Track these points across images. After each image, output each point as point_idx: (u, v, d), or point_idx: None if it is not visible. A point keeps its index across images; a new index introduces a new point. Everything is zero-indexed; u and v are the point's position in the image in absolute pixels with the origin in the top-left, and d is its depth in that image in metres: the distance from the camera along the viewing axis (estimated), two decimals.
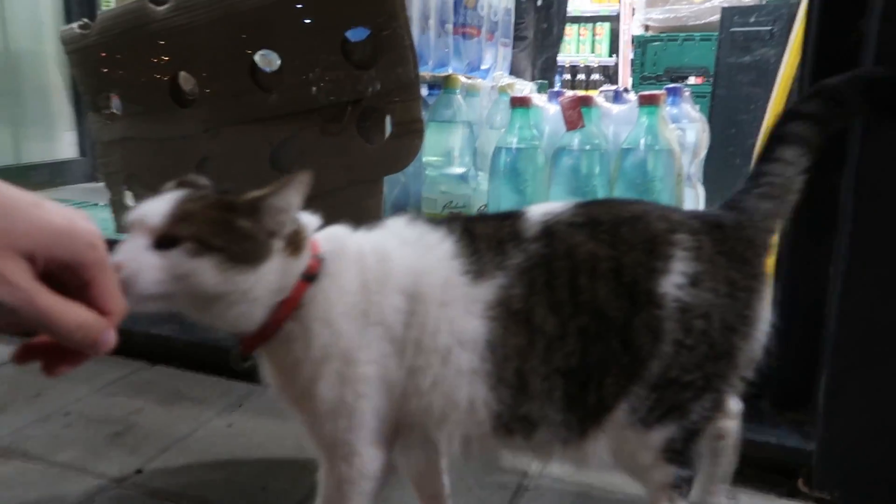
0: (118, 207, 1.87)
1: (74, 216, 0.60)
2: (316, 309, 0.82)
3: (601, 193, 1.67)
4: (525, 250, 0.83)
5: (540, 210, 0.87)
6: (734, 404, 1.01)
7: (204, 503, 1.15)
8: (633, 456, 0.88)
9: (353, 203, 1.61)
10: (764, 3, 3.50)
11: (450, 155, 1.94)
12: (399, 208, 1.94)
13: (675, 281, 0.81)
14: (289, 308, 0.81)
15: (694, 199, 1.94)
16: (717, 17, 3.08)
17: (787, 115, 0.95)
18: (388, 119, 1.62)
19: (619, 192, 1.67)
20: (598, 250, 0.82)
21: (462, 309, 0.82)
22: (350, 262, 0.85)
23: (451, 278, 0.83)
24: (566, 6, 4.23)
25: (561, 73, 5.47)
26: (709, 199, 2.20)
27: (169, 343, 1.67)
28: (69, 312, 0.59)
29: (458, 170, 1.95)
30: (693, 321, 0.82)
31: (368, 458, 0.86)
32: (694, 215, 0.89)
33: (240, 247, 0.75)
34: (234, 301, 0.78)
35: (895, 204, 1.10)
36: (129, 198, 1.87)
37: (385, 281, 0.83)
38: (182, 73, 1.69)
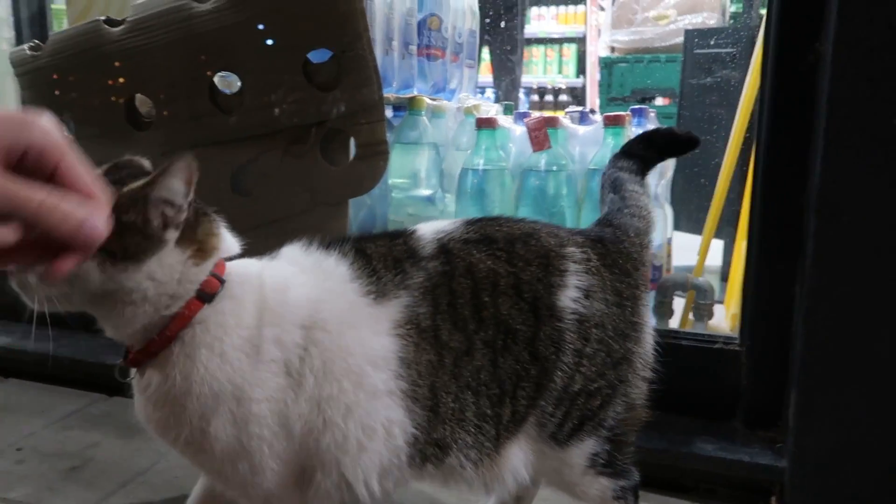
0: None
1: (25, 111, 0.59)
2: (205, 334, 0.78)
3: (569, 214, 1.67)
4: (425, 268, 0.84)
5: (430, 228, 0.89)
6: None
7: None
8: (558, 473, 0.91)
9: (318, 226, 1.58)
10: (726, 26, 3.57)
11: (416, 177, 1.92)
12: (366, 231, 1.92)
13: (571, 294, 0.86)
14: (179, 324, 0.77)
15: (662, 219, 1.94)
16: (681, 38, 3.13)
17: (621, 155, 1.09)
18: (352, 141, 1.60)
19: (586, 213, 1.66)
20: (497, 267, 0.85)
21: (369, 329, 0.81)
22: (251, 290, 0.82)
23: (353, 301, 0.82)
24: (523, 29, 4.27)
25: (528, 95, 5.51)
26: (676, 219, 2.21)
27: None
28: (38, 193, 0.57)
29: (425, 192, 1.93)
30: (590, 330, 0.86)
31: (287, 497, 0.82)
32: (577, 232, 0.94)
33: (124, 241, 0.71)
34: (120, 301, 0.74)
35: (856, 223, 1.11)
36: None
37: (282, 314, 0.80)
38: (138, 96, 1.65)
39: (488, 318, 0.83)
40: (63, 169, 0.60)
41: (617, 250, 0.92)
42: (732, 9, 3.78)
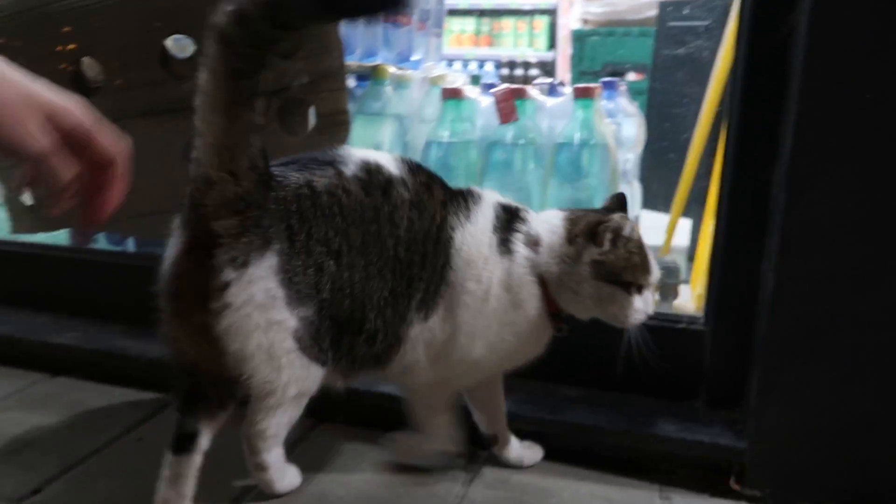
0: (14, 206, 1.73)
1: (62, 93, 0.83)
2: None
3: (535, 188, 1.63)
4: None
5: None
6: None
7: None
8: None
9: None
10: None
11: (379, 149, 1.86)
12: None
13: None
14: None
15: (630, 194, 1.91)
16: (655, 11, 3.08)
17: None
18: (312, 110, 1.55)
19: (553, 187, 1.63)
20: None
21: None
22: None
23: None
24: None
25: (498, 68, 5.44)
26: (645, 196, 2.18)
27: (71, 353, 1.55)
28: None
29: None
30: None
31: None
32: None
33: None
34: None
35: (826, 198, 1.09)
36: (27, 196, 1.73)
37: None
38: (85, 59, 1.56)
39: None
40: (95, 141, 0.84)
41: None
42: None
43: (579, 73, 4.19)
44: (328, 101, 1.52)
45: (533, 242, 1.09)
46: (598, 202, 1.60)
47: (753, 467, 1.20)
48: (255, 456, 1.08)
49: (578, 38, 4.23)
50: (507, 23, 5.90)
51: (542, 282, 1.08)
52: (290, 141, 1.53)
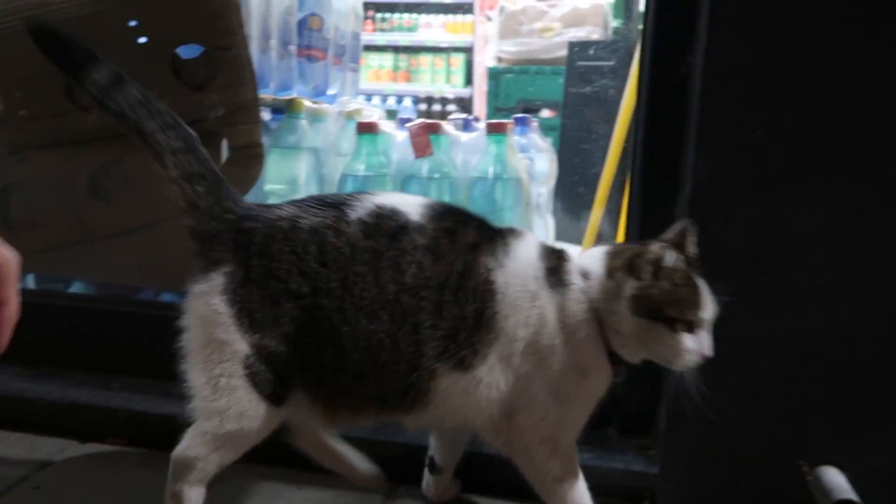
0: None
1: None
2: None
3: None
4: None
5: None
6: None
7: None
8: None
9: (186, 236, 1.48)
10: (608, 39, 3.69)
11: (295, 183, 1.85)
12: None
13: None
14: None
15: (543, 227, 1.96)
16: (565, 51, 3.20)
17: None
18: (224, 144, 1.52)
19: None
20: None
21: None
22: None
23: None
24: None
25: (416, 104, 5.50)
26: (558, 228, 2.24)
27: None
28: None
29: None
30: None
31: None
32: None
33: None
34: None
35: (725, 230, 1.14)
36: None
37: None
38: None
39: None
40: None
41: None
42: (615, 24, 3.91)
43: (495, 109, 4.28)
44: (242, 133, 1.50)
45: (584, 274, 1.02)
46: None
47: (665, 492, 1.23)
48: (176, 483, 1.01)
49: (493, 75, 4.33)
50: (425, 59, 5.99)
51: (598, 318, 1.01)
52: None
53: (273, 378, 0.98)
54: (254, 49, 1.73)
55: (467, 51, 5.84)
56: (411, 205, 1.02)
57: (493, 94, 4.28)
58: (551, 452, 1.05)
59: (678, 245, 1.02)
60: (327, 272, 0.97)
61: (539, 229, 1.85)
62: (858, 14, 1.09)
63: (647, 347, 1.00)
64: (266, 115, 2.01)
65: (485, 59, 5.40)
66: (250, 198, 1.76)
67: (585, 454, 1.27)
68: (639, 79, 1.33)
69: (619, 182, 2.05)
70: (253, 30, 1.74)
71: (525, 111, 4.00)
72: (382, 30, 6.04)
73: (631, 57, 2.07)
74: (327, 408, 1.02)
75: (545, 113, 4.06)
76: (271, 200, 1.87)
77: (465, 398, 1.00)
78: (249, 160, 1.52)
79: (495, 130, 1.65)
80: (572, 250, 1.07)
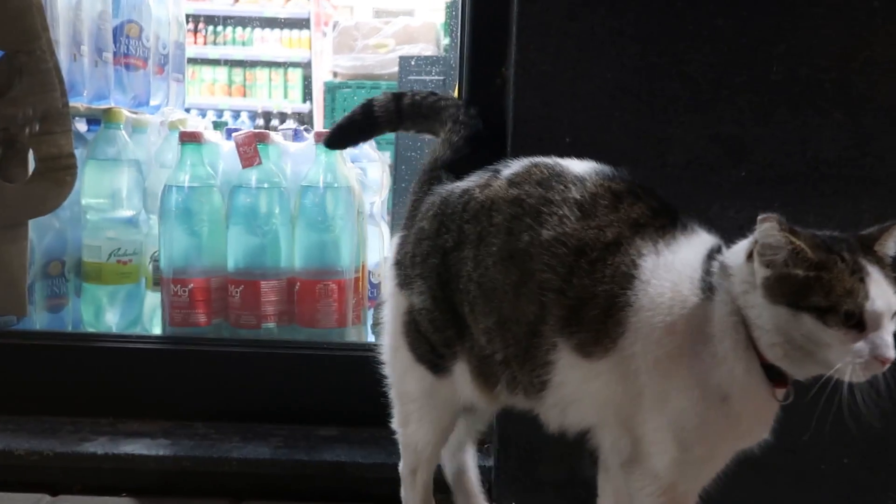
0: None
1: None
2: None
3: (283, 231, 1.62)
4: None
5: None
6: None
7: None
8: None
9: None
10: (439, 56, 3.80)
11: (116, 197, 1.75)
12: (53, 258, 1.70)
13: None
14: None
15: (378, 236, 1.98)
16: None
17: None
18: (31, 155, 1.42)
19: (300, 230, 1.63)
20: None
21: None
22: None
23: None
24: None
25: (254, 119, 5.38)
26: (393, 236, 2.27)
27: None
28: None
29: (126, 213, 1.77)
30: None
31: None
32: None
33: None
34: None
35: None
36: None
37: None
38: None
39: None
40: None
41: None
42: (446, 41, 4.03)
43: (332, 124, 4.27)
44: (51, 143, 1.41)
45: (725, 271, 0.85)
46: (346, 243, 1.66)
47: (499, 483, 1.28)
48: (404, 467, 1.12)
49: (330, 89, 4.31)
50: (262, 74, 5.86)
51: (744, 322, 0.83)
52: (8, 188, 1.39)
53: (425, 342, 1.01)
54: (62, 55, 1.62)
55: (305, 66, 5.78)
56: (581, 165, 0.96)
57: (330, 109, 4.27)
58: (662, 493, 0.87)
59: (870, 241, 0.82)
60: (469, 226, 0.96)
61: (373, 238, 1.86)
62: (650, 33, 1.20)
63: (801, 350, 0.79)
64: (82, 126, 1.89)
65: (322, 75, 5.39)
66: (64, 212, 1.66)
67: None
68: (459, 89, 1.39)
69: None
70: (60, 35, 1.64)
71: None
72: (215, 43, 5.85)
73: (458, 72, 2.14)
74: (478, 378, 0.98)
75: None
76: (89, 215, 1.76)
77: (582, 388, 0.88)
78: (60, 172, 1.43)
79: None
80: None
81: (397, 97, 1.21)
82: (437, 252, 0.99)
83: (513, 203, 0.93)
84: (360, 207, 1.71)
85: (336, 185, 1.63)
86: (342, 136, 1.32)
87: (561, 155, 1.17)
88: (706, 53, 1.20)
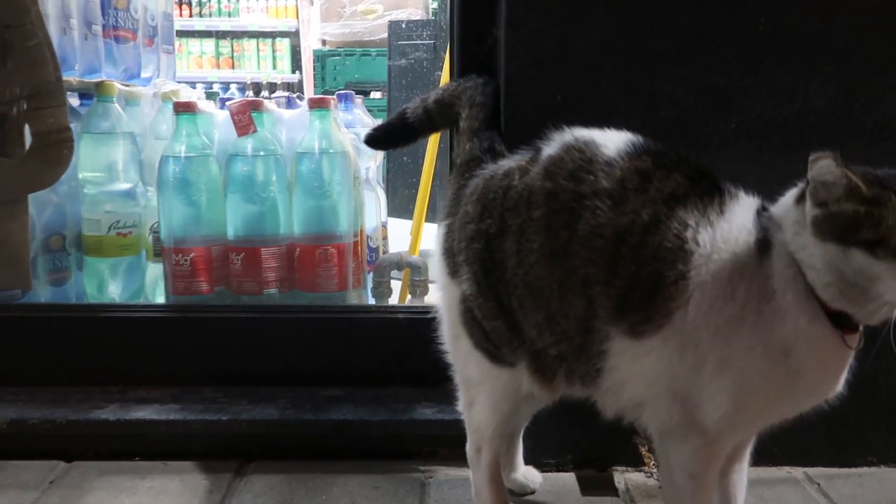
0: None
1: None
2: None
3: (281, 198, 1.64)
4: None
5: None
6: None
7: None
8: None
9: None
10: (428, 19, 3.78)
11: (112, 170, 1.76)
12: (54, 232, 1.71)
13: None
14: None
15: (375, 200, 2.00)
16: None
17: None
18: (27, 129, 1.43)
19: (298, 197, 1.65)
20: None
21: None
22: None
23: None
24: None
25: (243, 91, 5.35)
26: (389, 201, 2.30)
27: None
28: None
29: (123, 185, 1.78)
30: None
31: None
32: None
33: None
34: None
35: None
36: None
37: None
38: None
39: None
40: None
41: None
42: (434, 5, 4.01)
43: (323, 93, 4.26)
44: (46, 117, 1.42)
45: (777, 224, 0.86)
46: (343, 208, 1.68)
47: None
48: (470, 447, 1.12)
49: (319, 58, 4.30)
50: (249, 45, 5.81)
51: (801, 271, 0.82)
52: (5, 164, 1.40)
53: (479, 329, 1.00)
54: (52, 29, 1.62)
55: (293, 35, 5.73)
56: (612, 140, 0.93)
57: (320, 77, 4.26)
58: (704, 447, 0.89)
59: None
60: (510, 215, 0.95)
61: (370, 202, 1.88)
62: None
63: (856, 287, 0.78)
64: (74, 101, 1.90)
65: (311, 43, 5.34)
66: (62, 187, 1.68)
67: (428, 409, 1.35)
68: (450, 51, 1.40)
69: (444, 149, 2.13)
70: (49, 7, 1.63)
71: (355, 93, 4.01)
72: (201, 15, 5.79)
73: (447, 34, 2.15)
74: (535, 374, 0.98)
75: (376, 94, 4.10)
76: (87, 189, 1.77)
77: (633, 368, 0.89)
78: (56, 146, 1.44)
79: (318, 106, 1.66)
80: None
81: (424, 98, 1.19)
82: (481, 237, 0.97)
83: (548, 197, 0.92)
84: (356, 172, 1.72)
85: (331, 150, 1.64)
86: (383, 138, 1.29)
87: (552, 113, 1.20)
88: (693, 6, 1.21)
